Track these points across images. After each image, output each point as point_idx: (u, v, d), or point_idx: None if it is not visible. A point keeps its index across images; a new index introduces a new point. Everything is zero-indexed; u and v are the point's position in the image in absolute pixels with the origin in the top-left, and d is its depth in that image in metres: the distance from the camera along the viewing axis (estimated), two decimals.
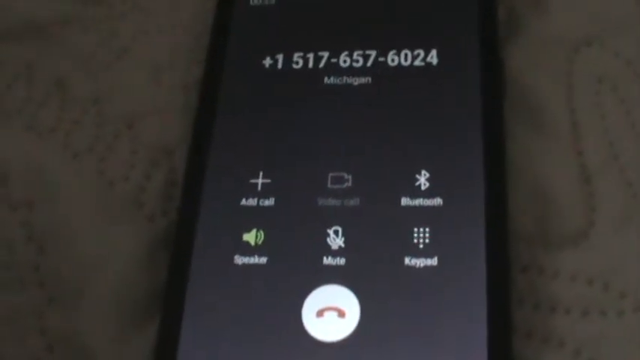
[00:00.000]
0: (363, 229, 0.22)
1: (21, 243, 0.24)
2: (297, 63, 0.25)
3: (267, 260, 0.22)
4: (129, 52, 0.27)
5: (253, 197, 0.23)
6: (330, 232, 0.23)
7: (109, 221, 0.24)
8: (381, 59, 0.25)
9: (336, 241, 0.22)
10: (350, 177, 0.23)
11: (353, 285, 0.22)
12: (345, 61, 0.25)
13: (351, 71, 0.25)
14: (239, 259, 0.22)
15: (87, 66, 0.27)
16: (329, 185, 0.23)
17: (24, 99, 0.26)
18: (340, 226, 0.23)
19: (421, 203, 0.23)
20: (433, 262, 0.22)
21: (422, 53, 0.25)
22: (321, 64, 0.25)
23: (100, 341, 0.23)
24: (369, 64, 0.25)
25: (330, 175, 0.23)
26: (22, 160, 0.25)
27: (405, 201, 0.23)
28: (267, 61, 0.25)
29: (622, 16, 0.26)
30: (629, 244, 0.23)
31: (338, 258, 0.22)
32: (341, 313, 0.22)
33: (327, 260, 0.22)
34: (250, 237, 0.23)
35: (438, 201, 0.23)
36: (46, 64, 0.27)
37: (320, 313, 0.22)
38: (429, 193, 0.23)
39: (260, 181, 0.23)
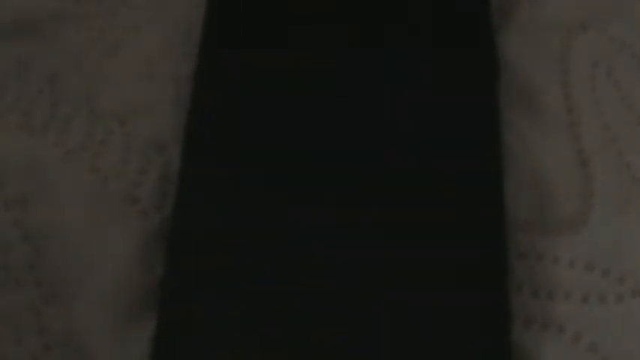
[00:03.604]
0: None
1: (16, 242, 0.24)
2: (293, 54, 0.25)
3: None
4: (120, 48, 0.27)
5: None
6: None
7: (103, 218, 0.24)
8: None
9: None
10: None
11: None
12: (341, 52, 0.25)
13: (346, 62, 0.25)
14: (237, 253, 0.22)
15: (78, 62, 0.27)
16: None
17: (16, 96, 0.26)
18: None
19: None
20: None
21: (415, 39, 0.25)
22: (317, 57, 0.25)
23: (97, 338, 0.22)
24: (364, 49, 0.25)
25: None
26: (15, 158, 0.25)
27: None
28: (263, 52, 0.25)
29: (616, 0, 0.26)
30: (627, 228, 0.23)
31: None
32: None
33: None
34: None
35: None
36: (37, 60, 0.27)
37: None
38: None
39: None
